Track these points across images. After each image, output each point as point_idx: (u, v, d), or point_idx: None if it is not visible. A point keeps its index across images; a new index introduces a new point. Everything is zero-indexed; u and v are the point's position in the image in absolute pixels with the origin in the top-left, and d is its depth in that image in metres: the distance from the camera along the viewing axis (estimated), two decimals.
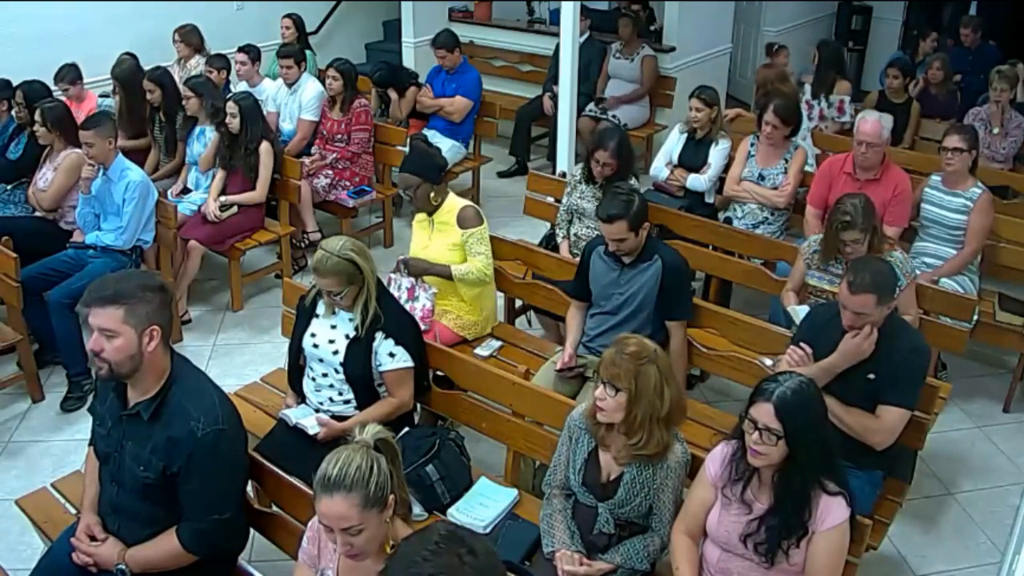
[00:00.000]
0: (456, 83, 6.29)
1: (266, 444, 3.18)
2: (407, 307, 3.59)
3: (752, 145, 4.86)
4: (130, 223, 4.42)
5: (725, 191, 4.90)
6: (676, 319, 3.58)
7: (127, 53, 5.93)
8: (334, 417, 3.17)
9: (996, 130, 5.68)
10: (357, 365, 3.13)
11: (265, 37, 6.95)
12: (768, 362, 3.42)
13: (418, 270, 3.85)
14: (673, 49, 7.16)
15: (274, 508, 2.83)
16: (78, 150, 4.56)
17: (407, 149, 5.51)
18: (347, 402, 3.21)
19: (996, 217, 4.44)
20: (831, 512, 2.32)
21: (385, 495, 2.08)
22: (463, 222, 3.84)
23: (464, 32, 7.42)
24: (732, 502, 2.44)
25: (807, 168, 4.92)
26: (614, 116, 6.70)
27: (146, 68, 5.68)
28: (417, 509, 2.92)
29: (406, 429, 3.22)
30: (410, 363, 3.17)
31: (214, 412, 2.41)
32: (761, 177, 4.78)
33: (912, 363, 2.92)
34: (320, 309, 3.24)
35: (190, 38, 6.47)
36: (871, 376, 2.91)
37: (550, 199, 4.98)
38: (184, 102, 5.33)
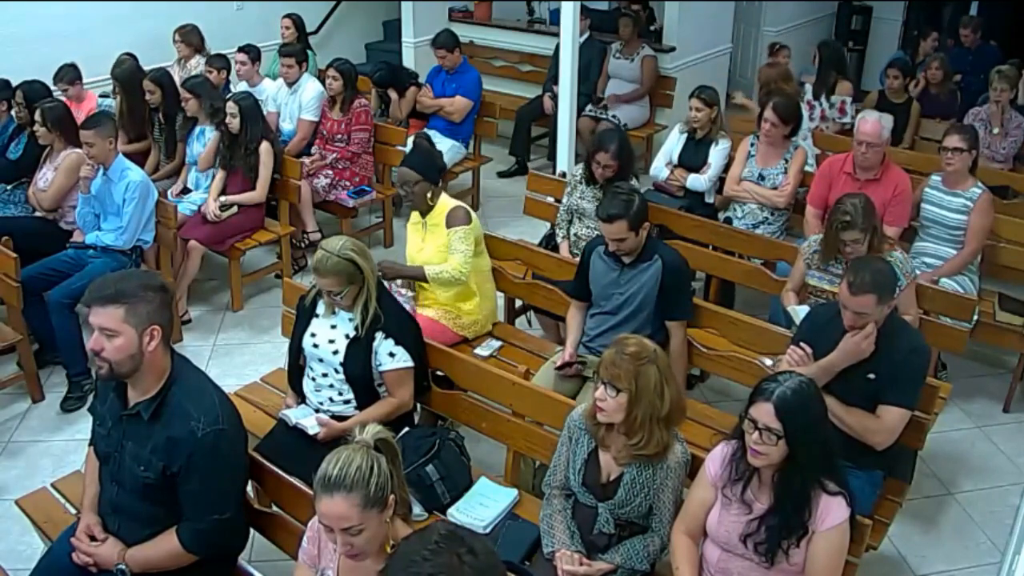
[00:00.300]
0: (456, 83, 6.29)
1: (266, 444, 3.18)
2: None
3: (752, 145, 4.86)
4: (130, 223, 4.42)
5: (725, 191, 4.90)
6: (676, 319, 3.58)
7: (127, 53, 5.93)
8: (334, 417, 3.17)
9: (996, 130, 5.68)
10: (357, 365, 3.13)
11: (265, 37, 6.96)
12: (768, 362, 3.43)
13: (392, 273, 3.84)
14: (673, 49, 7.17)
15: (274, 508, 2.83)
16: (78, 150, 4.56)
17: (408, 148, 5.52)
18: (347, 402, 3.21)
19: (996, 217, 4.44)
20: (831, 512, 2.32)
21: (385, 495, 2.08)
22: (450, 221, 3.82)
23: (464, 32, 7.42)
24: (732, 502, 2.44)
25: (807, 168, 4.92)
26: (614, 116, 6.71)
27: (146, 68, 5.68)
28: (417, 509, 2.92)
29: (406, 429, 3.22)
30: (410, 363, 3.17)
31: (214, 412, 2.41)
32: (761, 177, 4.78)
33: (912, 363, 2.92)
34: (320, 309, 3.25)
35: (190, 38, 6.47)
36: (871, 376, 2.91)
37: (550, 199, 4.98)
38: (183, 104, 5.33)
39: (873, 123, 4.20)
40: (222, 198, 5.04)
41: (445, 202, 3.89)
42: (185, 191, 5.39)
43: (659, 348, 2.64)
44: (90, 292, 2.35)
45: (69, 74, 5.66)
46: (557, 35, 5.85)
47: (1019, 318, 4.22)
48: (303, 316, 3.28)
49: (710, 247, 4.55)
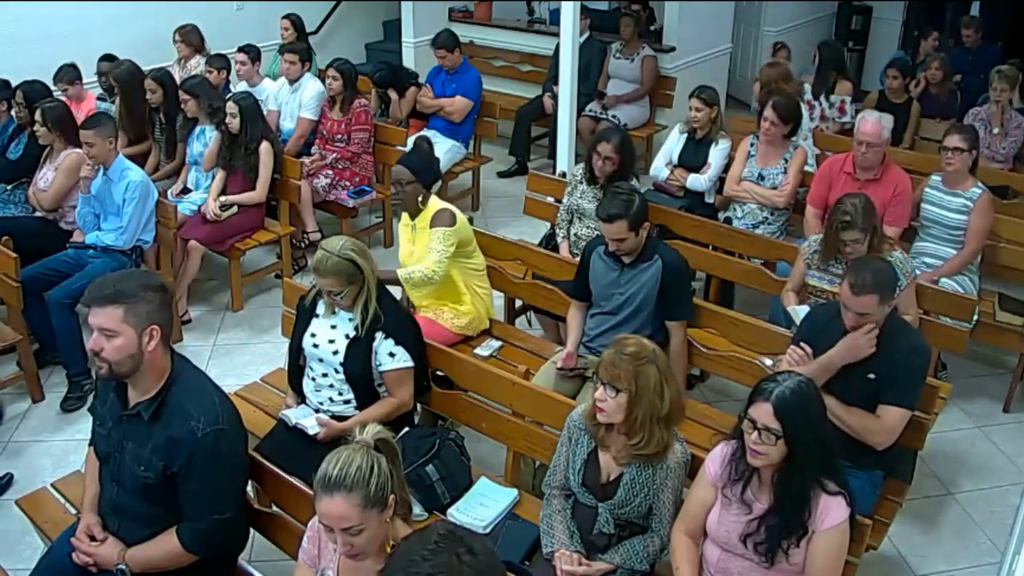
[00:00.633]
0: (456, 83, 6.29)
1: (266, 444, 3.19)
2: None
3: (752, 145, 4.86)
4: (130, 223, 4.42)
5: (725, 191, 4.90)
6: (676, 319, 3.58)
7: (106, 55, 5.94)
8: (334, 417, 3.17)
9: (996, 130, 5.68)
10: (357, 365, 3.13)
11: (265, 37, 6.96)
12: (768, 362, 3.43)
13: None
14: (673, 49, 7.17)
15: (274, 508, 2.83)
16: (78, 150, 4.56)
17: (408, 148, 5.52)
18: (347, 402, 3.21)
19: (996, 217, 4.44)
20: (831, 512, 2.32)
21: (385, 495, 2.08)
22: (433, 222, 3.78)
23: (464, 32, 7.42)
24: (732, 502, 2.44)
25: (807, 168, 4.92)
26: (614, 116, 6.71)
27: (146, 68, 5.67)
28: (417, 509, 2.92)
29: (406, 429, 3.22)
30: (410, 363, 3.17)
31: (214, 412, 2.41)
32: (761, 177, 4.78)
33: (912, 363, 2.92)
34: (320, 309, 3.25)
35: (190, 38, 6.47)
36: (871, 376, 2.91)
37: (550, 199, 4.98)
38: (182, 104, 5.33)
39: (873, 123, 4.20)
40: (222, 198, 5.04)
41: (433, 204, 3.87)
42: (185, 191, 5.40)
43: (658, 348, 2.64)
44: (90, 292, 2.36)
45: (69, 74, 5.67)
46: (557, 35, 5.86)
47: (1019, 318, 4.22)
48: (303, 316, 3.28)
49: (710, 247, 4.55)
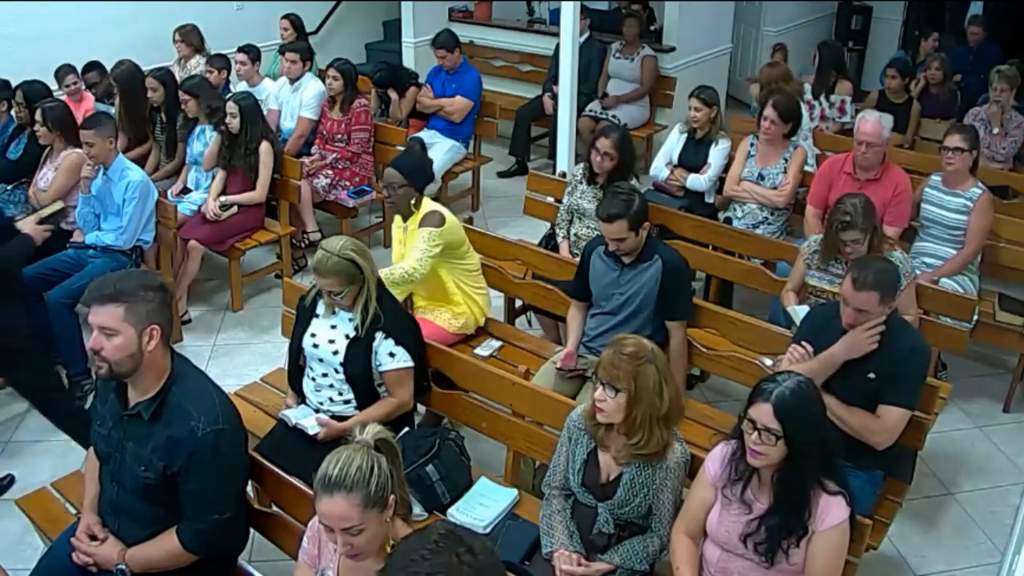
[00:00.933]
0: (456, 83, 6.29)
1: (266, 444, 3.19)
2: None
3: (752, 145, 4.86)
4: (130, 223, 4.42)
5: (725, 191, 4.91)
6: (676, 319, 3.58)
7: (91, 63, 5.95)
8: (334, 417, 3.17)
9: (996, 130, 5.68)
10: (357, 365, 3.13)
11: (265, 37, 6.96)
12: (768, 362, 3.43)
13: None
14: (673, 49, 7.17)
15: (274, 508, 2.83)
16: (78, 150, 4.56)
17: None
18: (347, 402, 3.21)
19: (996, 217, 4.44)
20: (831, 512, 2.32)
21: (385, 495, 2.08)
22: (422, 222, 3.77)
23: (464, 32, 7.42)
24: (732, 502, 2.44)
25: (807, 168, 4.93)
26: (614, 116, 6.71)
27: (146, 68, 5.68)
28: (417, 509, 2.92)
29: (406, 429, 3.22)
30: (410, 363, 3.17)
31: (214, 412, 2.41)
32: (761, 177, 4.78)
33: (912, 363, 2.92)
34: (320, 309, 3.25)
35: (190, 38, 6.47)
36: (871, 376, 2.91)
37: (550, 199, 4.98)
38: (183, 105, 5.33)
39: (873, 123, 4.20)
40: (222, 198, 5.04)
41: (425, 206, 3.85)
42: (185, 191, 5.40)
43: (657, 347, 2.64)
44: (90, 291, 2.36)
45: (70, 72, 5.68)
46: (557, 35, 5.86)
47: (1019, 318, 4.22)
48: (303, 316, 3.28)
49: (710, 247, 4.55)
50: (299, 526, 2.55)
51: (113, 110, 5.76)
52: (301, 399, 3.32)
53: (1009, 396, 4.40)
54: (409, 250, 3.85)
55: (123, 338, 2.31)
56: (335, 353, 3.15)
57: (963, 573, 3.45)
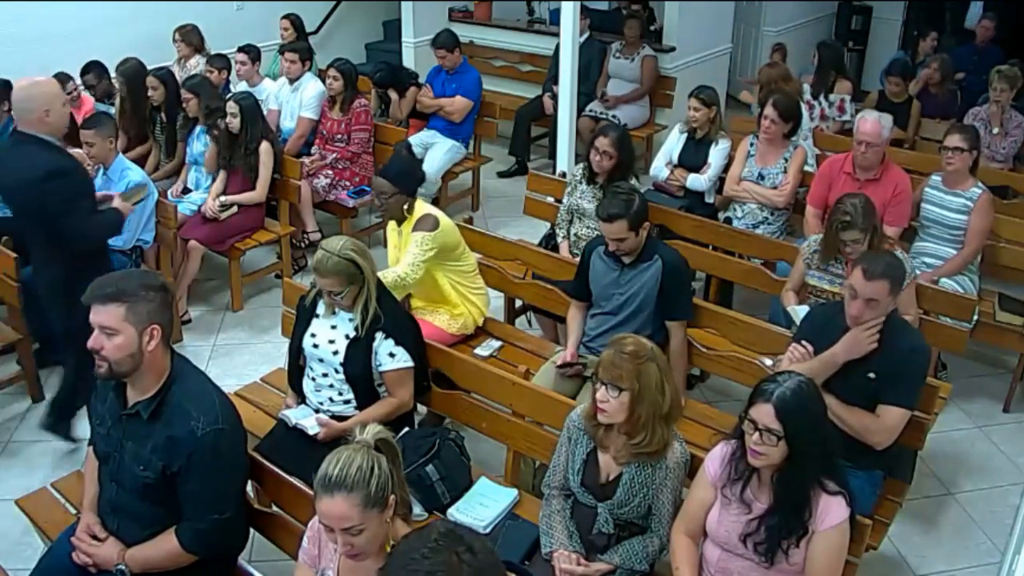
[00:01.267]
0: (456, 83, 6.29)
1: (266, 444, 3.19)
2: None
3: (752, 145, 4.87)
4: (130, 223, 4.41)
5: (725, 191, 4.91)
6: (676, 319, 3.58)
7: (91, 63, 5.95)
8: (334, 417, 3.17)
9: (996, 130, 5.68)
10: (357, 365, 3.13)
11: (265, 37, 6.96)
12: (768, 362, 3.42)
13: None
14: (673, 49, 7.17)
15: (274, 508, 2.83)
16: (78, 150, 4.55)
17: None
18: (347, 402, 3.21)
19: (996, 217, 4.44)
20: (831, 512, 2.32)
21: (386, 495, 2.08)
22: (416, 227, 3.76)
23: (464, 32, 7.42)
24: (732, 502, 2.44)
25: (807, 168, 4.93)
26: (614, 116, 6.71)
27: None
28: (417, 509, 2.92)
29: (406, 429, 3.22)
30: (410, 363, 3.17)
31: (214, 412, 2.41)
32: (761, 177, 4.78)
33: (912, 363, 2.92)
34: (320, 309, 3.25)
35: (190, 38, 6.47)
36: (871, 376, 2.90)
37: (550, 199, 4.98)
38: (184, 104, 5.33)
39: (873, 123, 4.20)
40: (221, 198, 5.04)
41: (419, 210, 3.83)
42: (185, 191, 5.40)
43: (656, 346, 2.64)
44: (91, 291, 2.36)
45: (68, 80, 5.67)
46: (557, 35, 5.86)
47: (1019, 318, 4.22)
48: (303, 316, 3.28)
49: (710, 247, 4.55)
50: (299, 526, 2.55)
51: (113, 110, 5.76)
52: (301, 399, 3.32)
53: (1009, 396, 4.40)
54: (404, 253, 3.85)
55: (123, 337, 2.31)
56: (335, 353, 3.15)
57: (963, 573, 3.45)
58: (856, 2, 9.40)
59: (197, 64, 6.38)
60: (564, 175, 5.30)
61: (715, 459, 2.51)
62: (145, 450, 2.40)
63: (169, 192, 5.37)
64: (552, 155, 6.37)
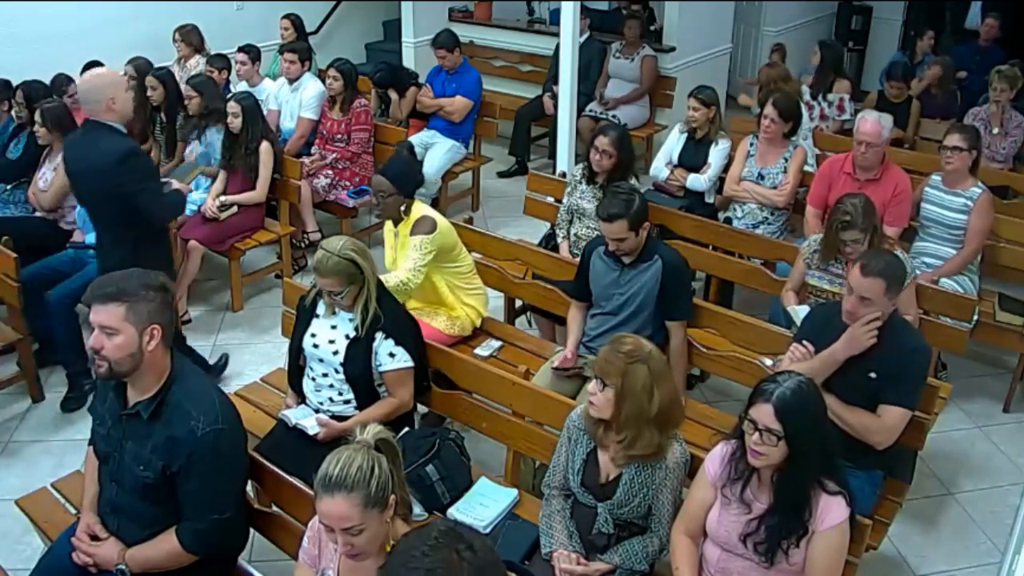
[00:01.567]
0: (456, 83, 6.29)
1: (266, 444, 3.19)
2: None
3: (751, 145, 4.87)
4: None
5: (725, 191, 4.91)
6: (676, 319, 3.58)
7: (91, 63, 5.95)
8: (334, 417, 3.17)
9: (996, 130, 5.68)
10: (357, 365, 3.13)
11: (265, 37, 6.96)
12: (768, 362, 3.43)
13: None
14: (673, 49, 7.17)
15: (274, 508, 2.83)
16: None
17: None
18: (347, 402, 3.21)
19: (996, 217, 4.44)
20: (831, 512, 2.32)
21: (386, 495, 2.08)
22: (414, 230, 3.74)
23: (464, 32, 7.42)
24: (732, 502, 2.44)
25: (807, 168, 4.93)
26: (614, 116, 6.71)
27: None
28: (417, 509, 2.92)
29: (406, 429, 3.22)
30: (410, 363, 3.17)
31: (214, 412, 2.41)
32: (760, 176, 4.78)
33: (913, 363, 2.92)
34: (320, 309, 3.25)
35: (190, 38, 6.48)
36: (872, 376, 2.90)
37: (550, 199, 4.98)
38: (186, 101, 5.33)
39: (873, 123, 4.20)
40: (221, 198, 5.04)
41: (416, 211, 3.82)
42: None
43: (656, 350, 2.63)
44: (91, 290, 2.36)
45: (70, 82, 5.67)
46: (557, 35, 5.86)
47: (1019, 318, 4.22)
48: (303, 316, 3.28)
49: (710, 247, 4.55)
50: (299, 526, 2.55)
51: None
52: (301, 399, 3.32)
53: (1009, 396, 4.40)
54: (401, 255, 3.84)
55: (124, 337, 2.31)
56: (335, 353, 3.15)
57: (963, 573, 3.45)
58: (856, 2, 9.40)
59: (197, 64, 6.38)
60: (564, 175, 5.30)
61: (715, 459, 2.51)
62: (145, 450, 2.39)
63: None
64: (552, 155, 6.38)
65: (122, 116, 3.63)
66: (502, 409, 3.26)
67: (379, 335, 3.11)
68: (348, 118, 5.72)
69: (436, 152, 6.16)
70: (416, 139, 6.13)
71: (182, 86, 5.47)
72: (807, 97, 6.03)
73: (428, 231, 3.73)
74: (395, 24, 8.12)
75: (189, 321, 5.03)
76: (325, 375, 3.21)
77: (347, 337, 3.14)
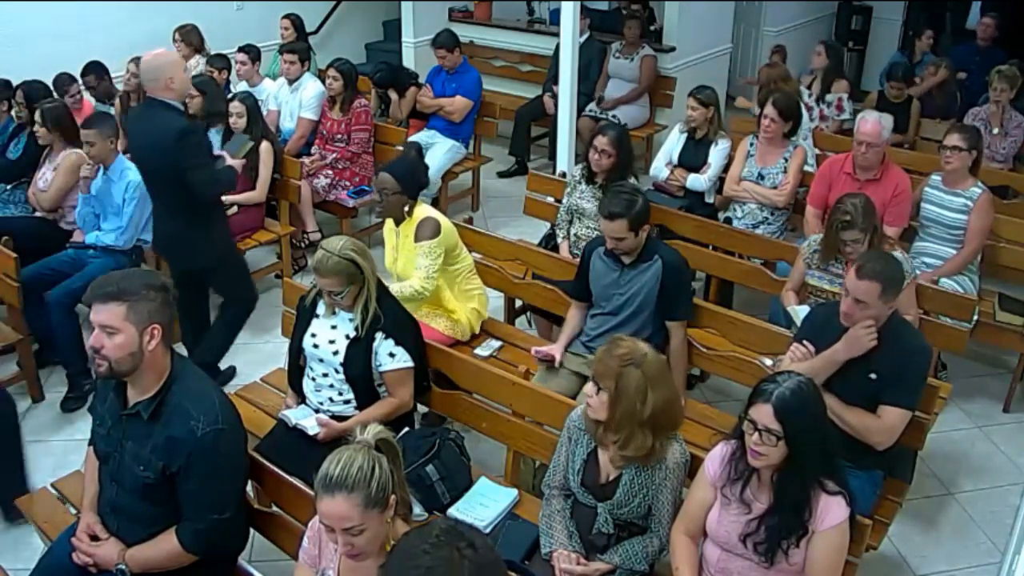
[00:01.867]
0: (456, 83, 6.29)
1: (266, 444, 3.19)
2: None
3: (751, 145, 4.87)
4: (130, 223, 4.42)
5: (725, 191, 4.91)
6: (676, 319, 3.58)
7: (90, 64, 5.96)
8: (334, 417, 3.17)
9: (996, 130, 5.68)
10: (357, 365, 3.13)
11: (265, 37, 6.96)
12: (768, 362, 3.42)
13: None
14: (673, 49, 7.17)
15: (274, 508, 2.83)
16: (78, 150, 4.56)
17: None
18: (347, 402, 3.21)
19: (996, 217, 4.44)
20: (831, 512, 2.32)
21: (386, 495, 2.08)
22: (418, 234, 3.74)
23: (464, 32, 7.42)
24: (731, 502, 2.44)
25: (807, 168, 4.93)
26: (614, 116, 6.71)
27: None
28: (417, 509, 2.92)
29: (406, 429, 3.22)
30: (410, 363, 3.17)
31: (214, 412, 2.41)
32: (760, 176, 4.78)
33: (913, 363, 2.92)
34: (320, 309, 3.25)
35: (190, 38, 6.48)
36: (872, 376, 2.90)
37: (550, 199, 4.98)
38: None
39: (873, 123, 4.20)
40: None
41: (419, 213, 3.80)
42: None
43: (653, 352, 2.60)
44: (92, 289, 2.36)
45: (72, 82, 5.68)
46: (557, 35, 5.86)
47: (1019, 318, 4.22)
48: (303, 316, 3.28)
49: (710, 247, 4.55)
50: (299, 526, 2.56)
51: (113, 111, 5.76)
52: (301, 399, 3.32)
53: (1009, 396, 4.40)
54: (402, 255, 3.84)
55: (124, 336, 2.31)
56: (335, 353, 3.15)
57: (963, 573, 3.45)
58: (856, 2, 9.40)
59: (197, 64, 6.38)
60: (564, 175, 5.30)
61: (715, 459, 2.51)
62: (145, 450, 2.40)
63: None
64: (552, 155, 6.38)
65: (179, 94, 3.85)
66: (502, 409, 3.26)
67: (379, 335, 3.11)
68: (348, 118, 5.72)
69: (436, 152, 6.16)
70: (416, 139, 6.13)
71: None
72: (807, 99, 6.03)
73: (433, 235, 3.73)
74: (395, 24, 8.12)
75: None
76: (325, 375, 3.21)
77: (347, 337, 3.14)
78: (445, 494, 3.02)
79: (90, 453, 2.66)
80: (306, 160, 5.58)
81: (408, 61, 7.53)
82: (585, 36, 6.69)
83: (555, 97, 6.32)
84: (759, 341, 3.60)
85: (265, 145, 5.08)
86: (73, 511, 2.92)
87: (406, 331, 3.21)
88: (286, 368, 3.41)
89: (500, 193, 6.87)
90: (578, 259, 3.85)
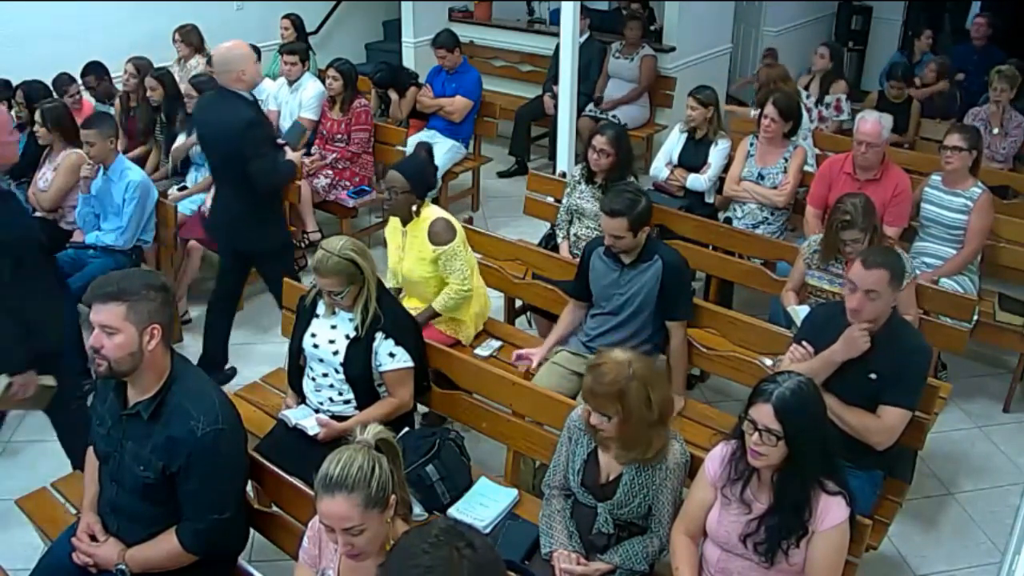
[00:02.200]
0: (456, 83, 6.29)
1: (266, 444, 3.19)
2: None
3: (751, 145, 4.87)
4: (130, 223, 4.42)
5: (725, 191, 4.91)
6: (676, 319, 3.58)
7: (90, 64, 5.97)
8: (334, 417, 3.17)
9: (996, 130, 5.68)
10: (357, 365, 3.13)
11: (265, 37, 6.96)
12: (768, 362, 3.42)
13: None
14: (673, 49, 7.17)
15: (274, 508, 2.83)
16: (78, 150, 4.56)
17: (408, 149, 5.51)
18: (347, 402, 3.21)
19: (996, 217, 4.44)
20: (831, 512, 2.32)
21: (386, 495, 2.08)
22: (433, 238, 3.73)
23: (464, 32, 7.42)
24: (732, 502, 2.44)
25: (807, 168, 4.93)
26: (614, 116, 6.71)
27: None
28: (417, 509, 2.92)
29: (406, 429, 3.22)
30: (410, 363, 3.17)
31: (214, 412, 2.41)
32: (760, 176, 4.78)
33: (913, 363, 2.91)
34: (320, 309, 3.25)
35: (190, 38, 6.48)
36: (872, 376, 2.90)
37: (550, 199, 4.98)
38: (187, 100, 5.33)
39: (873, 123, 4.20)
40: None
41: (428, 215, 3.79)
42: (183, 188, 5.39)
43: (632, 354, 2.59)
44: (92, 289, 2.36)
45: (72, 82, 5.68)
46: (557, 35, 5.85)
47: (1019, 318, 4.22)
48: (303, 316, 3.28)
49: (710, 247, 4.55)
50: (299, 526, 2.56)
51: (113, 111, 5.76)
52: (301, 399, 3.32)
53: (1009, 396, 4.40)
54: (409, 255, 3.84)
55: (124, 336, 2.31)
56: (335, 353, 3.15)
57: (963, 573, 3.45)
58: (856, 2, 9.40)
59: (197, 64, 6.38)
60: (564, 175, 5.30)
61: (715, 459, 2.51)
62: (145, 450, 2.39)
63: (169, 192, 5.37)
64: (552, 155, 6.37)
65: (249, 86, 3.96)
66: (502, 409, 3.26)
67: (379, 335, 3.11)
68: (348, 118, 5.72)
69: (436, 152, 6.13)
70: (416, 139, 6.13)
71: (182, 86, 5.47)
72: (805, 100, 6.03)
73: (451, 238, 3.72)
74: (395, 24, 8.12)
75: (189, 321, 5.03)
76: (325, 375, 3.21)
77: (347, 337, 3.14)
78: (445, 494, 3.02)
79: (90, 453, 2.66)
80: (306, 160, 5.58)
81: (408, 61, 7.53)
82: (585, 36, 6.69)
83: (555, 97, 6.32)
84: (759, 341, 3.60)
85: None
86: (73, 511, 2.93)
87: (406, 331, 3.21)
88: (286, 368, 3.41)
89: (500, 193, 6.87)
90: (578, 259, 3.85)
